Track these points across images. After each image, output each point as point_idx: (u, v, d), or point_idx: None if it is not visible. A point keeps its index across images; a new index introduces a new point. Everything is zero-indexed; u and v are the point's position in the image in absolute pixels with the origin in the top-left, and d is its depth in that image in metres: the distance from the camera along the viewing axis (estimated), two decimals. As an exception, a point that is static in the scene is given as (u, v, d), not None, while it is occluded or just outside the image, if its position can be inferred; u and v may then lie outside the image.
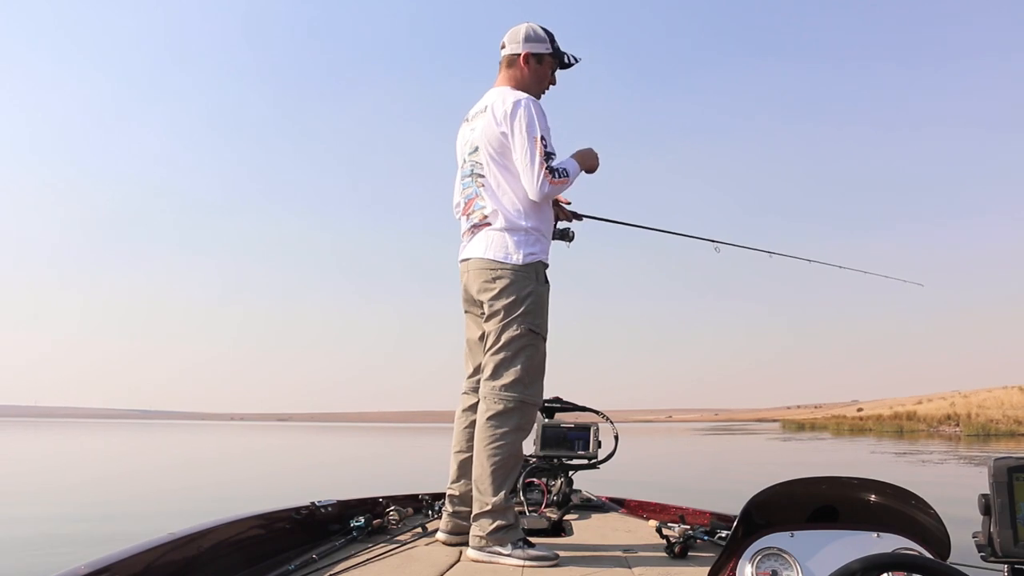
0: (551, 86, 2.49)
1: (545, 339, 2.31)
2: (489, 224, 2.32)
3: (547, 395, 3.33)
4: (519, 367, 2.23)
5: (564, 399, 3.37)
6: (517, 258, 2.27)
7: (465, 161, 2.44)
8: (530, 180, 2.25)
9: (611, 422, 3.42)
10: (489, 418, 2.22)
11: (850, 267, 3.88)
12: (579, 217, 2.68)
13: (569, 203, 2.66)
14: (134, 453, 25.08)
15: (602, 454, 3.26)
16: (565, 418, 3.38)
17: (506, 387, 2.22)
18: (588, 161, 2.44)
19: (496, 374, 2.25)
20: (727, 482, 11.62)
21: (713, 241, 3.11)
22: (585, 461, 3.25)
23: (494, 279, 2.27)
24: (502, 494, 2.17)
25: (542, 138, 2.26)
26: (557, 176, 2.27)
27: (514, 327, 2.24)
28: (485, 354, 2.30)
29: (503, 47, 2.46)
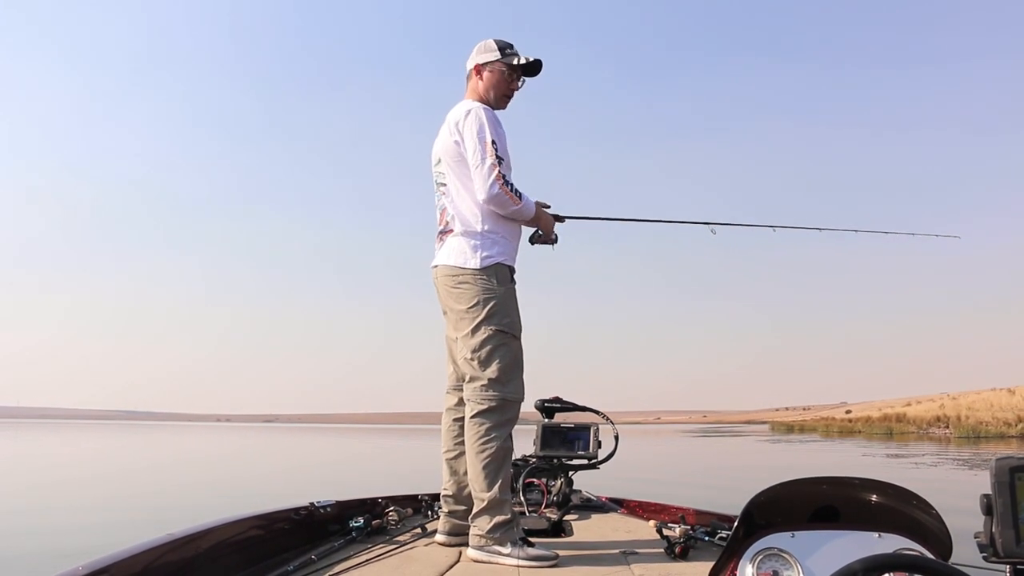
0: (515, 91, 2.52)
1: (518, 336, 2.36)
2: (452, 231, 2.39)
3: (546, 395, 3.34)
4: (494, 367, 2.28)
5: (564, 399, 3.37)
6: (475, 262, 2.32)
7: (433, 173, 2.52)
8: (481, 180, 2.29)
9: (611, 422, 3.42)
10: (473, 417, 2.28)
11: (867, 229, 3.63)
12: (561, 219, 2.67)
13: (549, 206, 2.70)
14: (122, 454, 24.89)
15: (602, 454, 3.26)
16: (565, 418, 3.39)
17: (485, 387, 2.28)
18: (547, 220, 2.50)
19: (474, 377, 2.31)
20: (724, 484, 11.65)
21: (709, 224, 3.03)
22: (585, 461, 3.25)
23: (456, 285, 2.34)
24: (495, 488, 2.21)
25: (493, 142, 2.30)
26: (511, 188, 2.31)
27: (482, 330, 2.29)
28: (460, 359, 2.36)
29: None
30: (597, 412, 3.47)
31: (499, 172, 2.28)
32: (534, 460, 3.21)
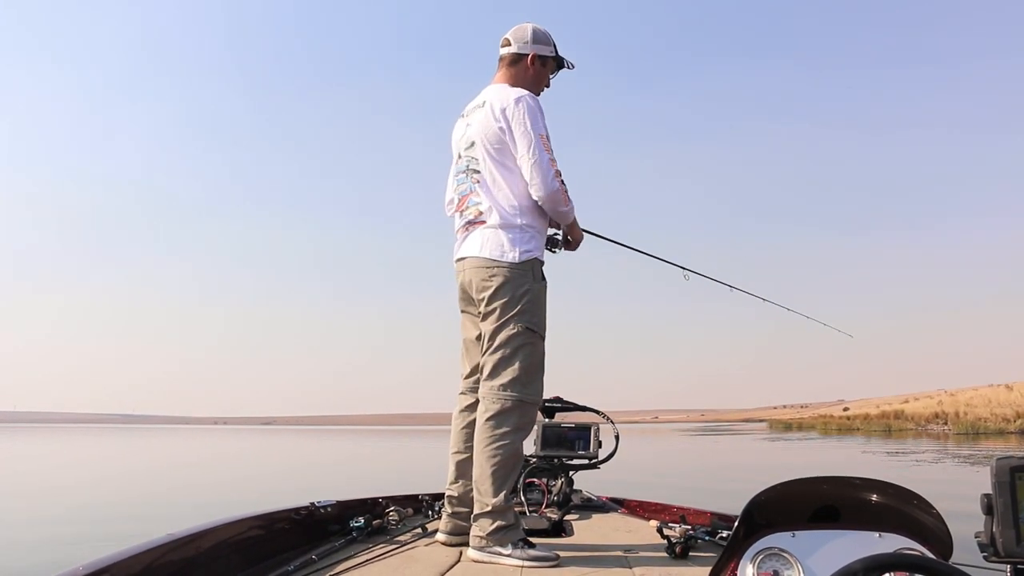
0: (545, 88, 2.50)
1: (544, 337, 2.31)
2: (484, 222, 2.31)
3: (547, 395, 3.34)
4: (517, 366, 2.22)
5: (564, 399, 3.37)
6: (513, 256, 2.25)
7: (460, 157, 2.43)
8: (540, 175, 2.22)
9: (612, 422, 3.43)
10: (488, 418, 2.22)
11: (796, 310, 4.16)
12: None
13: None
14: (119, 457, 24.85)
15: (603, 454, 3.26)
16: (565, 418, 3.39)
17: (504, 386, 2.21)
18: (578, 229, 2.46)
19: (494, 373, 2.24)
20: (724, 483, 11.66)
21: (684, 269, 3.20)
22: (586, 461, 3.25)
23: (491, 277, 2.26)
24: (502, 495, 2.17)
25: (548, 137, 2.26)
26: (566, 188, 2.28)
27: (511, 326, 2.23)
28: (483, 354, 2.29)
29: (505, 44, 2.46)
30: (598, 412, 3.47)
31: (558, 169, 2.24)
32: (535, 460, 3.21)
